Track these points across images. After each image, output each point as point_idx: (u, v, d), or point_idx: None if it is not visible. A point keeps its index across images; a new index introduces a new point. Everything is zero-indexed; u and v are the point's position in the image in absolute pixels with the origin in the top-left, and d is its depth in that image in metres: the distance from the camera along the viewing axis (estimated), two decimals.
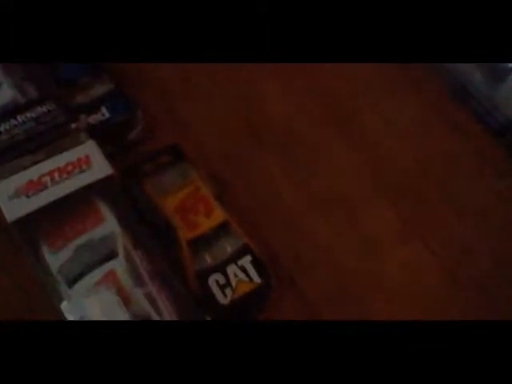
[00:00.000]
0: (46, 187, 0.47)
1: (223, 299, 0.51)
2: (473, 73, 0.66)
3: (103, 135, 0.57)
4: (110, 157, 0.53)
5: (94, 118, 0.58)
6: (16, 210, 0.46)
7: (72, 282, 0.47)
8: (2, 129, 0.49)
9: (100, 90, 0.60)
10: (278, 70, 0.67)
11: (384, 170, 0.63)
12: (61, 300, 0.46)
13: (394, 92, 0.68)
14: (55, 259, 0.48)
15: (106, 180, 0.49)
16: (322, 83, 0.68)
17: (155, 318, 0.45)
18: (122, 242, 0.48)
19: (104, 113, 0.59)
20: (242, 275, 0.52)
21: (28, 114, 0.50)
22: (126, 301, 0.45)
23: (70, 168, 0.48)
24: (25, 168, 0.48)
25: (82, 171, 0.48)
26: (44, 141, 0.49)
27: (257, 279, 0.52)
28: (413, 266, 0.58)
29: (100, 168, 0.49)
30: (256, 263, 0.53)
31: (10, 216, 0.46)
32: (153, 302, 0.46)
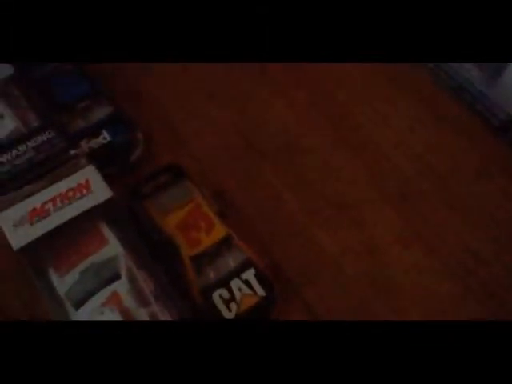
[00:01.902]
0: (48, 214, 0.49)
1: (228, 314, 0.51)
2: (470, 70, 0.66)
3: (105, 158, 0.59)
4: (113, 179, 0.54)
5: (95, 142, 0.59)
6: (21, 238, 0.48)
7: (78, 305, 0.48)
8: (4, 159, 0.51)
9: (100, 113, 0.61)
10: (276, 83, 0.68)
11: (386, 174, 0.63)
12: None
13: (392, 95, 0.68)
14: (62, 284, 0.49)
15: (107, 203, 0.50)
16: (320, 93, 0.69)
17: None
18: (124, 263, 0.49)
19: (105, 136, 0.60)
20: (246, 289, 0.53)
21: (29, 144, 0.52)
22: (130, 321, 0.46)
23: (71, 194, 0.50)
24: (28, 196, 0.49)
25: (82, 196, 0.50)
26: (45, 169, 0.51)
27: (261, 292, 0.53)
28: (419, 272, 0.58)
29: (100, 192, 0.50)
30: (260, 276, 0.53)
31: (16, 244, 0.47)
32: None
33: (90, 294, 0.48)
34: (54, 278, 0.49)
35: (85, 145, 0.59)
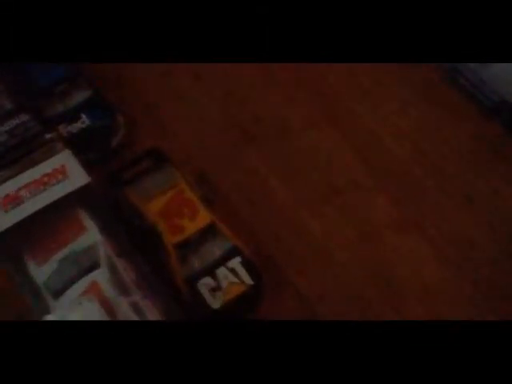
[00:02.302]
0: (23, 201, 0.47)
1: (214, 303, 0.49)
2: None
3: (85, 143, 0.57)
4: (93, 165, 0.52)
5: (74, 127, 0.57)
6: None
7: (57, 294, 0.46)
8: None
9: (79, 97, 0.59)
10: (265, 67, 0.66)
11: (378, 159, 0.61)
12: (45, 313, 0.45)
13: (384, 79, 0.66)
14: (40, 273, 0.47)
15: (84, 189, 0.48)
16: (309, 79, 0.66)
17: None
18: (104, 252, 0.47)
19: (84, 120, 0.58)
20: (232, 277, 0.51)
21: (2, 128, 0.50)
22: (110, 311, 0.44)
23: (46, 179, 0.47)
24: (1, 182, 0.47)
25: (58, 182, 0.47)
26: (19, 153, 0.49)
27: (248, 280, 0.51)
28: (412, 259, 0.56)
29: (77, 177, 0.48)
30: (246, 264, 0.51)
31: None
32: (138, 310, 0.45)
33: (69, 284, 0.46)
34: (32, 268, 0.47)
35: (63, 129, 0.57)
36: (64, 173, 0.48)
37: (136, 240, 0.50)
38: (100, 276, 0.46)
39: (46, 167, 0.48)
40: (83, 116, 0.58)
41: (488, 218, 0.58)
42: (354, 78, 0.66)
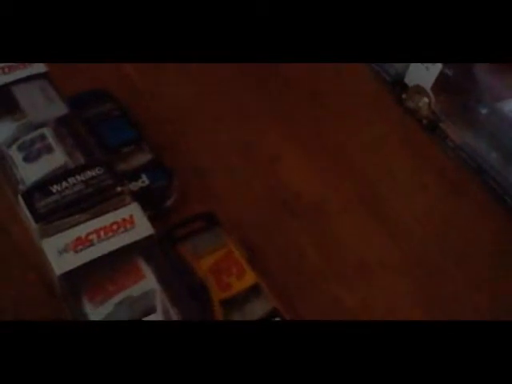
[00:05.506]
0: (92, 244, 0.51)
1: None
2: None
3: (142, 201, 0.61)
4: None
5: (134, 185, 0.62)
6: (64, 264, 0.49)
7: None
8: (54, 190, 0.53)
9: (141, 159, 0.65)
10: (305, 146, 0.73)
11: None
12: None
13: (415, 171, 0.73)
14: (96, 313, 0.50)
15: (148, 239, 0.52)
16: (345, 161, 0.73)
17: None
18: (160, 299, 0.50)
19: (144, 180, 0.63)
20: None
21: (78, 177, 0.54)
22: None
23: (115, 227, 0.52)
24: (74, 226, 0.52)
25: (126, 230, 0.52)
26: (92, 201, 0.53)
27: None
28: None
29: (142, 228, 0.52)
30: None
31: (59, 269, 0.49)
32: None
33: None
34: (88, 307, 0.50)
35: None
36: (132, 223, 0.52)
37: (186, 293, 0.53)
38: (155, 320, 0.49)
39: (116, 216, 0.52)
40: (143, 176, 0.63)
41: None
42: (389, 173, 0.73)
